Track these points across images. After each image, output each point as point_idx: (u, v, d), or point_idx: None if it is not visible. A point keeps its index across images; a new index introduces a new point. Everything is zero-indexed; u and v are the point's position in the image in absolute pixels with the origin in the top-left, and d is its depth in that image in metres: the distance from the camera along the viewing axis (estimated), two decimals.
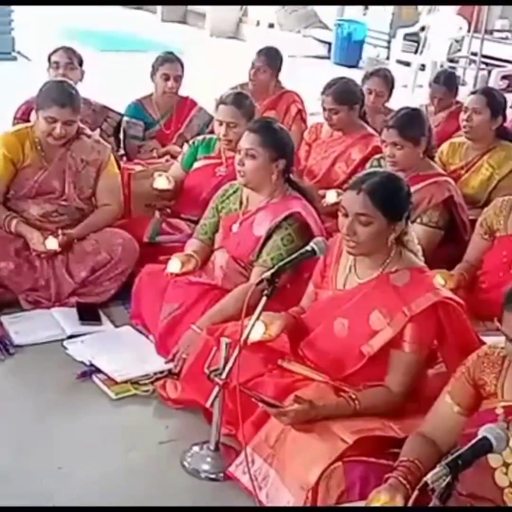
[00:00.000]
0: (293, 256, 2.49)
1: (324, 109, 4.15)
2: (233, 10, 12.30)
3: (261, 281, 2.38)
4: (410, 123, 3.47)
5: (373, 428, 2.27)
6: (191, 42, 10.85)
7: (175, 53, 4.56)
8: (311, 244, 2.48)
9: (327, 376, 2.51)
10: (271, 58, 4.89)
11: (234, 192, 3.27)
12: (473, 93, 4.14)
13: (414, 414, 2.33)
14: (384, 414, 2.36)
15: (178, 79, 4.47)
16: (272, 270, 2.39)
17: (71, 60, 4.20)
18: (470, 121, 3.98)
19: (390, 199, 2.46)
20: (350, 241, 2.46)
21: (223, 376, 2.35)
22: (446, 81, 5.04)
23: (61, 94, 3.37)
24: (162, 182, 3.81)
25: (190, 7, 13.10)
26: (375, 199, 2.42)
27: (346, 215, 2.47)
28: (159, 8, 13.20)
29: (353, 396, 2.36)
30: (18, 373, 2.94)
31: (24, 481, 2.37)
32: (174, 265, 3.17)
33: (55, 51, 4.24)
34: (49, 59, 4.24)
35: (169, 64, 4.45)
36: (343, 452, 2.18)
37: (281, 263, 2.44)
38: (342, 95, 4.12)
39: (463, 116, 4.02)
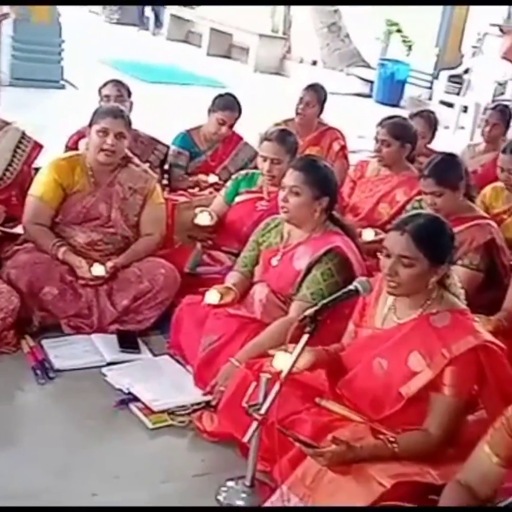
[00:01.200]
0: (337, 294, 2.48)
1: (377, 140, 4.18)
2: (277, 47, 12.47)
3: (304, 318, 2.38)
4: (446, 170, 3.47)
5: (411, 473, 2.24)
6: (235, 76, 11.02)
7: (237, 98, 4.62)
8: (355, 283, 2.49)
9: (365, 416, 2.49)
10: (319, 93, 4.96)
11: (276, 226, 3.31)
12: (504, 151, 4.09)
13: (453, 460, 2.29)
14: (423, 458, 2.32)
15: (232, 126, 4.57)
16: (315, 308, 2.39)
17: (121, 92, 4.31)
18: (508, 180, 3.97)
19: (433, 242, 2.46)
20: (391, 281, 2.46)
21: (262, 411, 2.35)
22: (502, 108, 5.09)
23: (113, 108, 3.54)
24: (203, 219, 3.88)
25: (235, 42, 13.32)
26: (419, 241, 2.42)
27: (388, 256, 2.48)
28: (204, 42, 13.43)
29: (392, 439, 2.34)
30: (57, 398, 2.97)
31: (57, 504, 2.38)
32: (213, 296, 3.20)
33: (105, 85, 4.35)
34: (99, 92, 4.35)
35: (229, 112, 4.54)
36: (380, 496, 2.15)
37: (324, 302, 2.43)
38: (397, 129, 4.15)
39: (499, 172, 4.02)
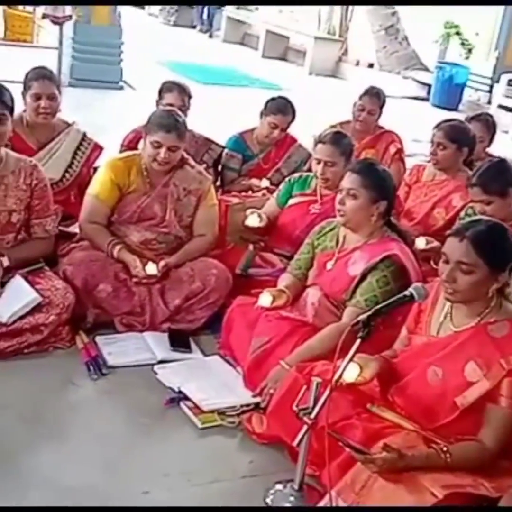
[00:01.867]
0: (391, 300, 2.45)
1: (433, 143, 4.12)
2: (333, 49, 12.43)
3: (357, 323, 2.36)
4: (493, 177, 3.39)
5: (465, 484, 2.20)
6: (290, 78, 11.03)
7: (290, 102, 4.55)
8: (411, 289, 2.45)
9: (417, 425, 2.46)
10: (380, 100, 4.90)
11: (331, 229, 3.28)
12: None
13: (508, 473, 2.25)
14: (476, 470, 2.28)
15: (285, 129, 4.53)
16: (368, 313, 2.37)
17: (184, 102, 4.28)
18: None
19: (494, 249, 2.40)
20: (449, 288, 2.42)
21: (312, 416, 2.33)
22: None
23: (168, 121, 3.49)
24: (253, 220, 3.88)
25: (291, 44, 13.32)
26: (479, 248, 2.38)
27: (447, 262, 2.43)
28: (260, 44, 13.47)
29: (445, 449, 2.29)
30: (109, 394, 3.00)
31: (108, 500, 2.41)
32: (265, 299, 3.20)
33: (169, 90, 4.28)
34: (161, 95, 4.30)
35: (281, 116, 4.49)
36: (432, 506, 2.12)
37: (378, 307, 2.41)
38: (454, 132, 4.08)
39: None
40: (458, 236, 2.41)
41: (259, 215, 3.88)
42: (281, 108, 4.50)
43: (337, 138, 3.70)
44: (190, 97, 4.36)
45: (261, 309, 3.20)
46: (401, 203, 4.24)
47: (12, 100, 3.16)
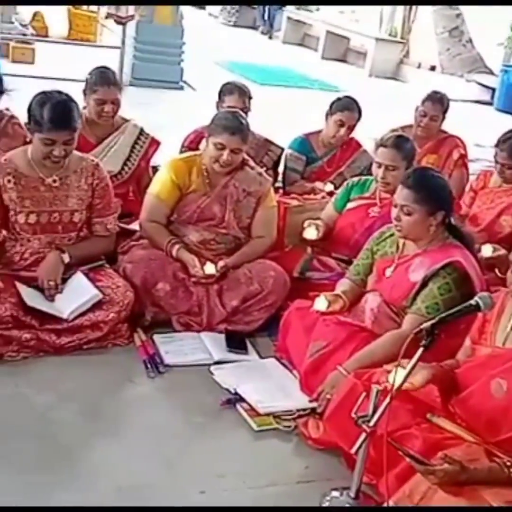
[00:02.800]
0: (456, 309, 2.40)
1: (497, 162, 4.04)
2: (395, 51, 12.29)
3: (420, 331, 2.31)
4: None
5: None
6: (350, 80, 10.95)
7: (356, 100, 4.53)
8: (476, 298, 2.39)
9: (479, 437, 2.40)
10: (443, 105, 4.79)
11: (391, 235, 3.23)
12: None
13: None
14: None
15: (352, 127, 4.49)
16: (432, 321, 2.32)
17: (245, 104, 4.26)
18: None
19: None
20: None
21: (372, 423, 2.30)
22: None
23: (233, 123, 3.49)
24: (311, 233, 3.85)
25: (351, 46, 13.24)
26: None
27: None
28: (320, 45, 13.42)
29: (508, 463, 2.23)
30: (165, 392, 3.02)
31: (164, 499, 2.42)
32: (321, 303, 3.17)
33: (230, 92, 4.27)
34: (222, 98, 4.28)
35: (348, 112, 4.46)
36: None
37: (443, 315, 2.36)
38: None
39: None
40: None
41: (317, 227, 3.84)
42: (347, 105, 4.47)
43: (399, 142, 3.64)
44: (250, 98, 4.35)
45: (316, 313, 3.18)
46: (461, 207, 4.16)
47: (80, 117, 3.19)
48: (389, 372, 2.29)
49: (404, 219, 2.99)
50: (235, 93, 4.28)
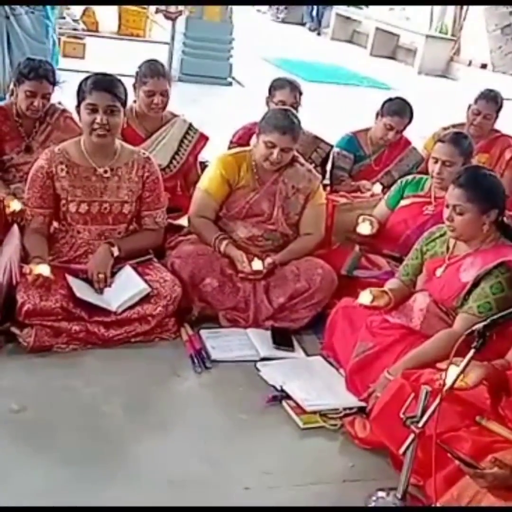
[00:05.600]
0: (509, 311, 2.36)
1: None
2: (445, 48, 12.14)
3: (472, 332, 2.28)
4: None
5: None
6: (399, 78, 10.85)
7: (409, 104, 4.44)
8: None
9: None
10: (497, 104, 4.71)
11: (441, 235, 3.19)
12: None
13: None
14: None
15: (401, 132, 4.44)
16: (485, 323, 2.28)
17: (296, 100, 4.24)
18: None
19: None
20: None
21: (420, 424, 2.27)
22: None
23: (284, 122, 3.47)
24: (365, 228, 3.82)
25: (401, 43, 13.11)
26: None
27: None
28: (369, 42, 13.31)
29: None
30: (212, 388, 3.03)
31: (212, 493, 2.43)
32: (365, 297, 3.14)
33: (281, 87, 4.24)
34: (272, 93, 4.25)
35: (398, 118, 4.39)
36: None
37: (495, 317, 2.31)
38: None
39: None
40: None
41: (371, 223, 3.81)
42: (398, 111, 4.40)
43: (457, 138, 3.61)
44: (301, 93, 4.33)
45: (363, 309, 3.15)
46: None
47: (125, 92, 3.23)
48: (441, 370, 2.26)
49: (457, 219, 2.94)
50: (286, 87, 4.24)
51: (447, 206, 2.98)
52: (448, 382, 2.29)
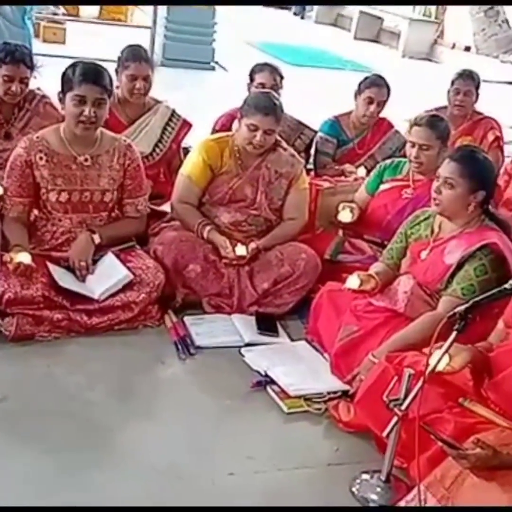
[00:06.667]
0: (491, 292, 2.36)
1: None
2: (429, 32, 12.12)
3: (454, 315, 2.28)
4: None
5: None
6: (383, 61, 10.82)
7: (384, 78, 4.50)
8: (511, 282, 2.35)
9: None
10: (474, 80, 4.73)
11: (426, 219, 3.19)
12: None
13: None
14: None
15: (382, 104, 4.44)
16: (466, 305, 2.28)
17: (276, 81, 4.25)
18: None
19: None
20: None
21: (403, 407, 2.28)
22: None
23: (265, 104, 3.46)
24: (345, 216, 3.81)
25: (385, 26, 13.08)
26: None
27: None
28: (353, 25, 13.29)
29: None
30: (197, 374, 3.03)
31: (196, 479, 2.43)
32: (353, 281, 3.14)
33: (260, 70, 4.26)
34: (252, 77, 4.28)
35: (376, 88, 4.41)
36: None
37: (477, 299, 2.32)
38: None
39: None
40: None
41: (351, 210, 3.80)
42: (374, 81, 4.44)
43: (434, 121, 3.59)
44: (282, 77, 4.32)
45: (348, 292, 3.16)
46: (501, 192, 4.09)
47: (111, 83, 3.20)
48: (427, 355, 2.26)
49: (445, 193, 2.94)
50: (265, 70, 4.27)
51: (438, 179, 2.98)
52: (433, 365, 2.30)
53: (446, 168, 2.96)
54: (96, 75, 3.12)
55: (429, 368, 2.26)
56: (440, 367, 2.42)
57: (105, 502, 2.26)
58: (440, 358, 2.27)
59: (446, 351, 2.28)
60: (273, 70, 4.27)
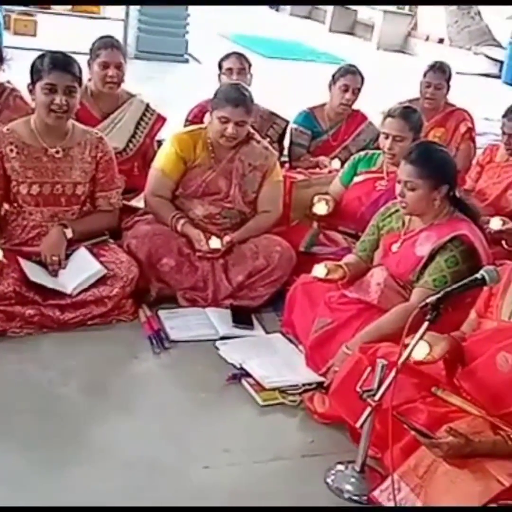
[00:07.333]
0: (462, 283, 2.38)
1: (504, 132, 3.99)
2: (403, 24, 12.16)
3: (426, 305, 2.30)
4: None
5: None
6: (357, 53, 10.84)
7: (357, 67, 4.52)
8: (482, 272, 2.37)
9: (483, 410, 2.39)
10: (446, 73, 4.75)
11: (397, 211, 3.20)
12: None
13: None
14: None
15: (356, 92, 4.45)
16: (438, 296, 2.30)
17: (243, 65, 4.28)
18: None
19: None
20: None
21: (377, 397, 2.29)
22: None
23: (235, 95, 3.45)
24: (321, 208, 3.82)
25: (359, 18, 13.10)
26: None
27: None
28: (328, 18, 13.30)
29: None
30: (171, 368, 3.02)
31: (172, 473, 2.42)
32: (320, 270, 3.15)
33: (227, 57, 4.32)
34: (220, 66, 4.31)
35: (350, 75, 4.43)
36: (497, 494, 2.07)
37: (448, 289, 2.34)
38: None
39: None
40: None
41: (327, 202, 3.81)
42: (348, 69, 4.47)
43: (407, 113, 3.60)
44: (249, 64, 4.34)
45: (315, 280, 3.16)
46: (465, 181, 4.12)
47: (81, 72, 3.17)
48: (402, 345, 2.27)
49: (409, 195, 2.96)
50: (231, 56, 4.31)
51: (399, 182, 2.99)
52: (407, 355, 2.31)
53: (404, 171, 2.96)
54: (66, 63, 3.10)
55: (404, 356, 2.27)
56: (420, 357, 2.44)
57: (79, 499, 2.24)
58: (413, 346, 2.28)
59: (418, 340, 2.29)
60: (239, 56, 4.33)
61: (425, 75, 4.74)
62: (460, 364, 2.53)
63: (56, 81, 3.05)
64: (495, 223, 3.64)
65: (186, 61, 8.66)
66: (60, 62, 3.08)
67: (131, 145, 4.04)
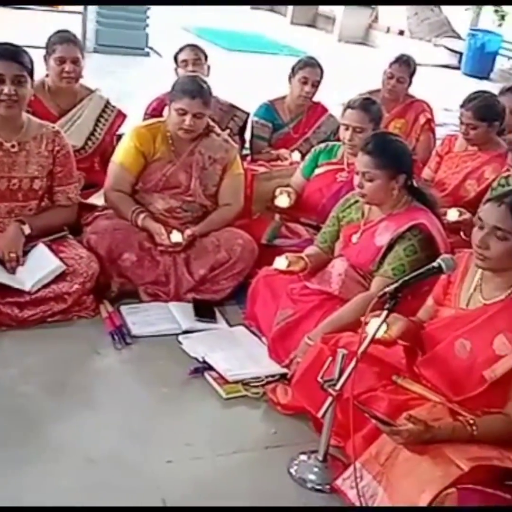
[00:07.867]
0: (419, 271, 2.40)
1: (462, 122, 4.03)
2: (364, 16, 12.22)
3: (384, 294, 2.32)
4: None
5: (491, 457, 2.17)
6: (319, 46, 10.85)
7: (316, 59, 4.54)
8: (439, 260, 2.40)
9: (443, 397, 2.42)
10: (410, 67, 4.79)
11: (356, 202, 3.23)
12: None
13: None
14: (503, 443, 2.24)
15: (316, 84, 4.46)
16: (395, 285, 2.32)
17: (198, 56, 4.27)
18: None
19: None
20: (481, 254, 2.35)
21: (337, 387, 2.31)
22: None
23: (192, 87, 3.44)
24: (283, 201, 3.83)
25: (320, 11, 13.13)
26: None
27: (481, 228, 2.36)
28: (289, 10, 13.30)
29: (471, 421, 2.25)
30: (133, 363, 3.00)
31: (134, 468, 2.41)
32: (281, 262, 3.16)
33: (181, 50, 4.31)
34: (175, 58, 4.31)
35: (309, 68, 4.44)
36: (457, 478, 2.09)
37: (406, 278, 2.36)
38: (483, 111, 3.95)
39: None
40: (497, 202, 2.35)
41: (289, 195, 3.81)
42: (307, 62, 4.48)
43: (366, 104, 3.63)
44: (206, 55, 4.33)
45: (276, 272, 3.17)
46: (420, 169, 4.16)
47: (31, 62, 3.12)
48: (360, 334, 2.30)
49: (367, 185, 2.99)
50: (186, 48, 4.31)
51: (357, 173, 3.01)
52: (367, 345, 2.33)
53: (361, 162, 2.99)
54: (13, 52, 3.06)
55: (364, 345, 2.29)
56: (378, 335, 2.45)
57: (42, 497, 2.23)
58: (372, 336, 2.29)
59: (377, 330, 2.31)
60: (194, 47, 4.32)
61: (390, 65, 4.78)
62: (420, 350, 2.56)
63: (4, 70, 3.01)
64: (452, 215, 3.68)
65: (147, 54, 8.59)
66: (7, 52, 3.04)
67: (90, 142, 3.99)
